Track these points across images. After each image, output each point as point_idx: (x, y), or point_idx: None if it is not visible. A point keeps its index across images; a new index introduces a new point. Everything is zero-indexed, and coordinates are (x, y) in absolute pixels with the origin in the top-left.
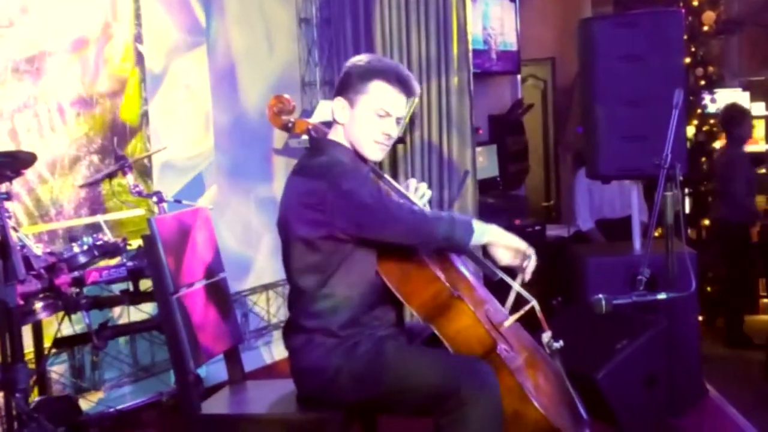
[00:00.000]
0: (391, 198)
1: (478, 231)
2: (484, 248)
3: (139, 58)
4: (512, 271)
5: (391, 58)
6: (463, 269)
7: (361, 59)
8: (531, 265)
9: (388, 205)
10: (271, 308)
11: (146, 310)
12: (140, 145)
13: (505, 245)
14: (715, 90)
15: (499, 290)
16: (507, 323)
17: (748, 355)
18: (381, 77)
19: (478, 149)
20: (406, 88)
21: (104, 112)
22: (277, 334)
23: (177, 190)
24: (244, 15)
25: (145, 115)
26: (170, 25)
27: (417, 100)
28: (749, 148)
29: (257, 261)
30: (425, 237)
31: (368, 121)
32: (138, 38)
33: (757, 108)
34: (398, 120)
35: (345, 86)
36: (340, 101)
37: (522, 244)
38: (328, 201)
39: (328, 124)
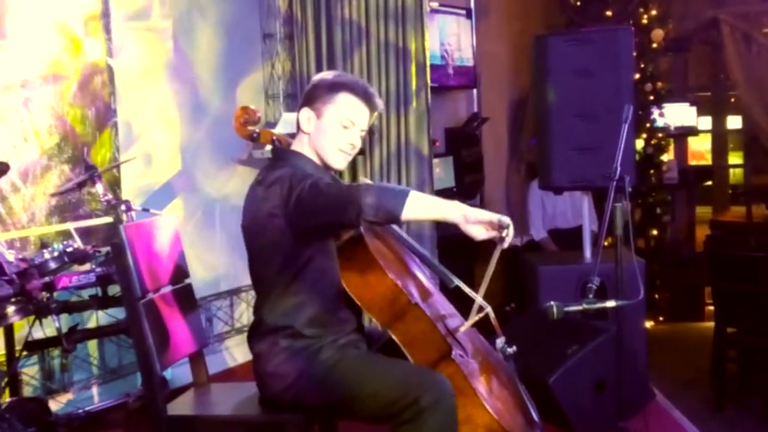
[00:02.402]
0: (328, 182)
1: (424, 203)
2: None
3: (110, 75)
4: (490, 246)
5: (352, 72)
6: (420, 276)
7: (328, 74)
8: (510, 233)
9: (320, 185)
10: (235, 313)
11: (114, 314)
12: (108, 154)
13: (476, 220)
14: (664, 105)
15: (455, 296)
16: (462, 329)
17: (693, 361)
18: (348, 90)
19: (435, 161)
20: (370, 103)
21: (75, 123)
22: (241, 338)
23: (145, 199)
24: (211, 31)
25: (114, 127)
26: (138, 41)
27: (377, 113)
28: (693, 161)
29: (221, 267)
30: (351, 206)
31: (334, 131)
32: (109, 54)
33: (703, 122)
34: (362, 132)
35: (312, 97)
36: (306, 111)
37: (493, 216)
38: (281, 206)
39: (292, 135)
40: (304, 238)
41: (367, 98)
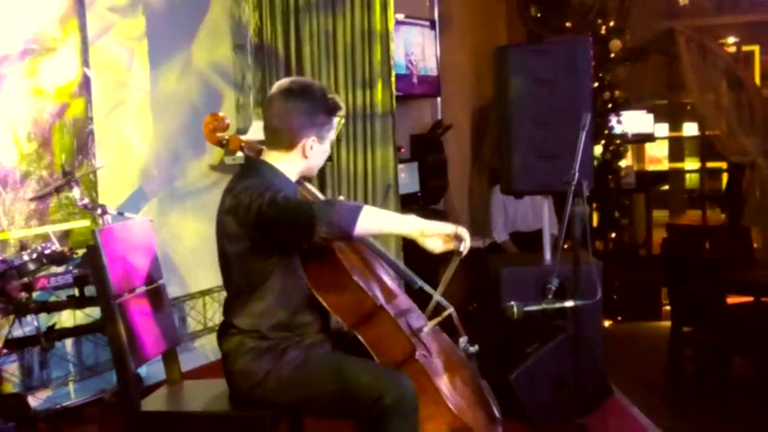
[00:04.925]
0: (286, 195)
1: (378, 219)
2: (415, 244)
3: (86, 83)
4: (449, 256)
5: (320, 81)
6: (385, 278)
7: (314, 88)
8: (466, 244)
9: (279, 200)
10: (207, 313)
11: (91, 313)
12: (86, 161)
13: (433, 233)
14: (622, 112)
15: (420, 297)
16: (426, 329)
17: (651, 360)
18: (338, 112)
19: (401, 166)
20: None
21: (53, 129)
22: (213, 337)
23: (120, 202)
24: (184, 40)
25: (90, 133)
26: (116, 54)
27: (344, 120)
28: (651, 166)
29: (194, 269)
30: (305, 220)
31: (326, 150)
32: (85, 63)
33: (660, 129)
34: None
35: (314, 123)
36: (314, 141)
37: (450, 228)
38: (247, 215)
39: (261, 142)
40: (265, 248)
41: (342, 113)
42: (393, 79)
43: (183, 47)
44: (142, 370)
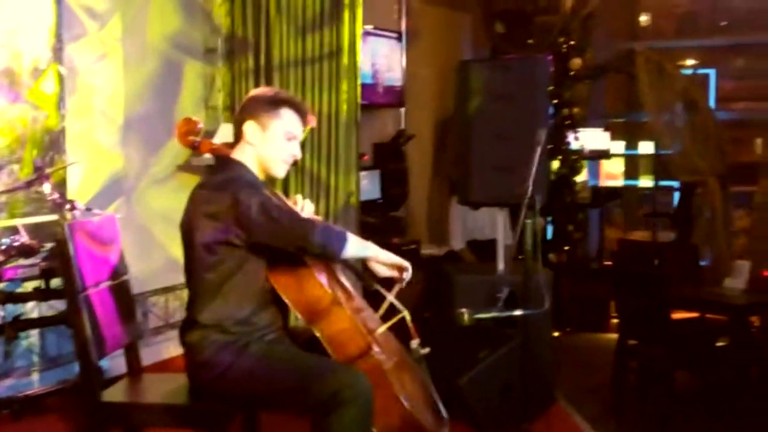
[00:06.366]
0: (277, 206)
1: (356, 245)
2: (365, 263)
3: (60, 80)
4: (390, 282)
5: (287, 89)
6: (344, 279)
7: (266, 90)
8: (407, 276)
9: (272, 211)
10: (170, 309)
11: (56, 305)
12: (56, 156)
13: (383, 261)
14: (579, 129)
15: (376, 300)
16: (380, 329)
17: (597, 370)
18: (289, 105)
19: (363, 173)
20: (305, 118)
21: (25, 127)
22: (174, 333)
23: (89, 198)
24: (157, 44)
25: (62, 132)
26: (86, 46)
27: (313, 123)
28: (607, 182)
29: (158, 266)
30: (302, 241)
31: (279, 143)
32: (59, 60)
33: (617, 146)
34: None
35: (255, 110)
36: (251, 124)
37: (398, 259)
38: (225, 211)
39: (229, 145)
40: (242, 244)
41: (303, 114)
42: (359, 87)
43: (139, 31)
44: (105, 363)
